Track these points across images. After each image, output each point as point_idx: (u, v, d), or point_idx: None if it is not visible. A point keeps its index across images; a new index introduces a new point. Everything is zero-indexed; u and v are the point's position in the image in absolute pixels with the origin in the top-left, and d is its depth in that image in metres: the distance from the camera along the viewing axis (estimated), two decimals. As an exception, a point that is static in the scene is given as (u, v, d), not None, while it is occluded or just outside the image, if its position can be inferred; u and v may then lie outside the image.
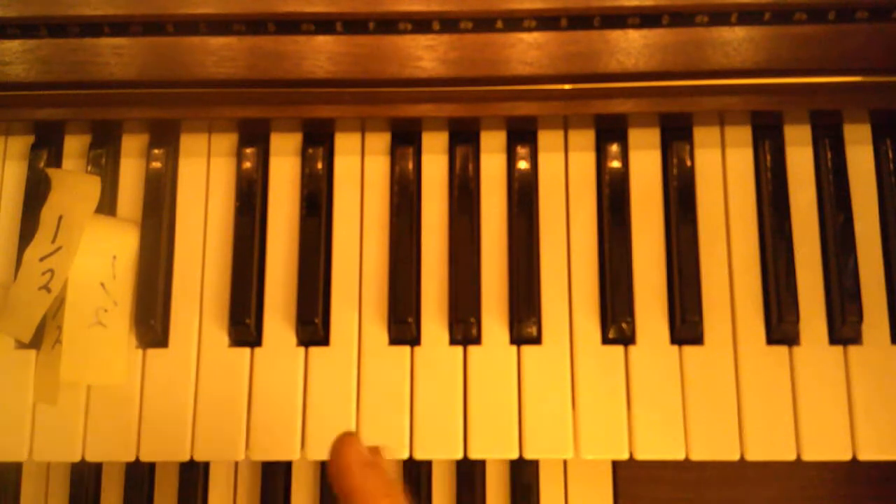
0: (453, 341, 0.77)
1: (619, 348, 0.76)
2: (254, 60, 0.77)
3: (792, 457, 0.73)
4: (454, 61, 0.76)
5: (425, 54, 0.76)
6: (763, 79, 0.76)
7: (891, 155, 0.78)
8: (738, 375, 0.75)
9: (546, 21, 0.76)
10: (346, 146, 0.81)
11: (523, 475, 0.88)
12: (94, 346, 0.76)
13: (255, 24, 0.77)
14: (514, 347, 0.76)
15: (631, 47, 0.75)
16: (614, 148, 0.79)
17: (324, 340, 0.78)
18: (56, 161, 0.83)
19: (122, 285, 0.78)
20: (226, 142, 0.82)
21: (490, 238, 0.79)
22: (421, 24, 0.76)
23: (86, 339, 0.76)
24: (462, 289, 0.77)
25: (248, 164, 0.81)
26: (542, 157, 0.80)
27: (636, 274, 0.77)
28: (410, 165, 0.80)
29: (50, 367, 0.76)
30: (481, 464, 0.89)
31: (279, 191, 0.81)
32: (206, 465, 0.90)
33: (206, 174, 0.81)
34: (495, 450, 0.75)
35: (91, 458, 0.76)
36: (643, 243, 0.78)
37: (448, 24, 0.76)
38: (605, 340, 0.76)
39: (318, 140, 0.81)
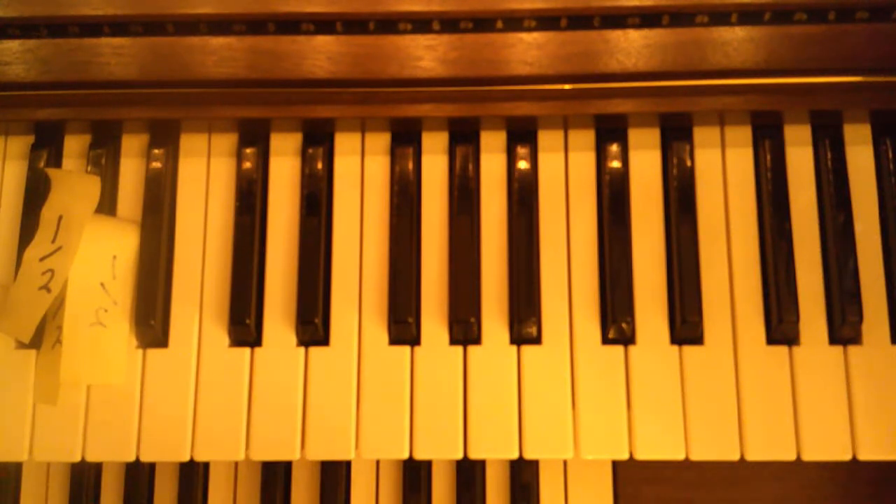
0: (453, 341, 0.77)
1: (619, 348, 0.76)
2: (254, 60, 0.77)
3: (792, 457, 0.73)
4: (454, 61, 0.76)
5: (425, 54, 0.76)
6: (763, 79, 0.76)
7: (891, 155, 0.78)
8: (738, 375, 0.75)
9: (546, 21, 0.76)
10: (346, 146, 0.81)
11: (523, 475, 0.88)
12: (93, 346, 0.76)
13: (255, 24, 0.77)
14: (514, 347, 0.76)
15: (631, 47, 0.75)
16: (614, 148, 0.79)
17: (324, 340, 0.78)
18: (56, 161, 0.83)
19: (122, 285, 0.78)
20: (226, 142, 0.82)
21: (490, 238, 0.79)
22: (421, 24, 0.76)
23: (86, 339, 0.76)
24: (462, 289, 0.77)
25: (248, 164, 0.81)
26: (542, 157, 0.80)
27: (636, 274, 0.77)
28: (410, 165, 0.80)
29: (50, 367, 0.76)
30: (481, 464, 0.89)
31: (279, 191, 0.81)
32: (206, 465, 0.90)
33: (206, 174, 0.81)
34: (495, 450, 0.75)
35: (91, 458, 0.76)
36: (643, 243, 0.78)
37: (448, 24, 0.76)
38: (605, 340, 0.76)
39: (318, 140, 0.81)
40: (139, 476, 0.90)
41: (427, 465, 0.89)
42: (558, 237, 0.78)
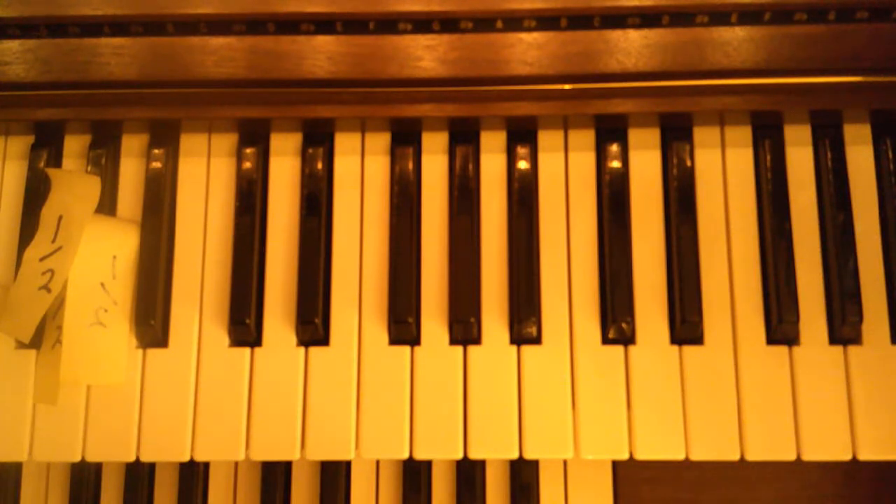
0: (453, 341, 0.77)
1: (619, 348, 0.76)
2: (254, 60, 0.77)
3: (792, 457, 0.73)
4: (454, 61, 0.76)
5: (425, 54, 0.76)
6: (763, 79, 0.76)
7: (891, 155, 0.78)
8: (738, 375, 0.75)
9: (546, 21, 0.76)
10: (346, 146, 0.81)
11: (523, 475, 0.88)
12: (94, 346, 0.76)
13: (255, 24, 0.77)
14: (514, 347, 0.76)
15: (631, 47, 0.75)
16: (614, 148, 0.79)
17: (324, 340, 0.78)
18: (56, 161, 0.83)
19: (122, 285, 0.78)
20: (226, 142, 0.82)
21: (490, 238, 0.79)
22: (421, 24, 0.76)
23: (86, 339, 0.76)
24: (462, 289, 0.77)
25: (248, 164, 0.81)
26: (542, 157, 0.80)
27: (636, 274, 0.77)
28: (410, 165, 0.80)
29: (50, 367, 0.76)
30: (481, 464, 0.89)
31: (279, 191, 0.81)
32: (206, 465, 0.90)
33: (206, 174, 0.81)
34: (495, 450, 0.75)
35: (91, 458, 0.76)
36: (643, 243, 0.78)
37: (448, 24, 0.76)
38: (605, 340, 0.76)
39: (318, 140, 0.81)
40: (139, 476, 0.90)
41: (427, 465, 0.89)
42: (558, 237, 0.78)
